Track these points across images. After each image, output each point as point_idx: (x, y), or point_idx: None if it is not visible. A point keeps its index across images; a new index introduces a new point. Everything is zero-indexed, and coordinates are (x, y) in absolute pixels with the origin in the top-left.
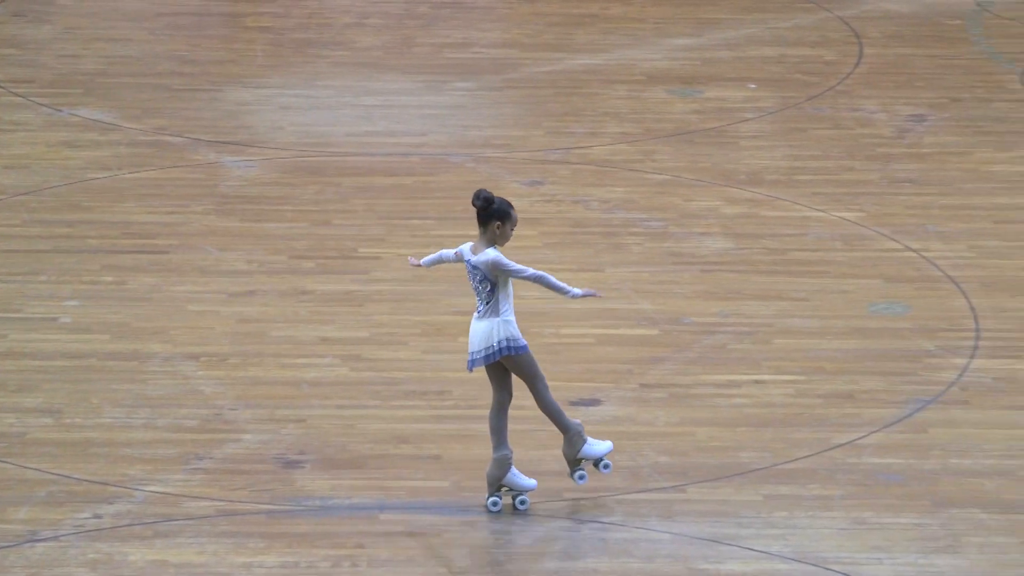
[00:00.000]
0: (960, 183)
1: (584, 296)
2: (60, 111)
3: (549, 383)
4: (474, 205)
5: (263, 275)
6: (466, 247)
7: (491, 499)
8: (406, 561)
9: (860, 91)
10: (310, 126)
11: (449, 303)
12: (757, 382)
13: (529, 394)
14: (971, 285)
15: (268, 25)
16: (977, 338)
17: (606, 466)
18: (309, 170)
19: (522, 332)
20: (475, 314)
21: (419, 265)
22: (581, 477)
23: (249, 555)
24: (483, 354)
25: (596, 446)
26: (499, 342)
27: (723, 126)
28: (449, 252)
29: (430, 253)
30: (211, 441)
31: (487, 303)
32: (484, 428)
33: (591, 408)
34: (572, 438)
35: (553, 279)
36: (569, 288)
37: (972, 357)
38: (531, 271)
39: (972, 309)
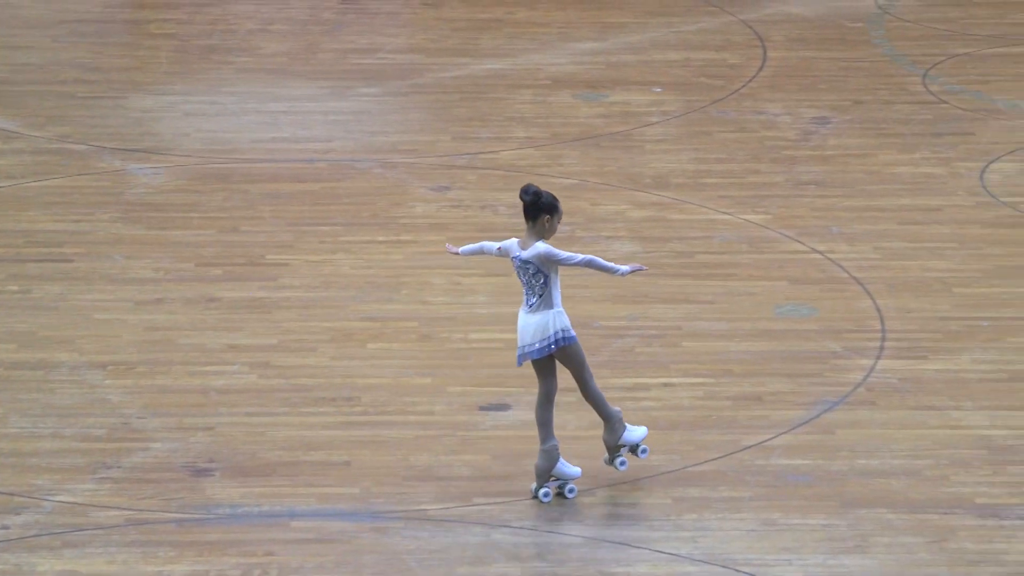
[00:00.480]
0: (864, 185)
1: (632, 272)
2: None
3: (458, 388)
4: (523, 200)
5: (170, 283)
6: (511, 243)
7: (542, 490)
8: (316, 568)
9: (764, 94)
10: (216, 133)
11: (358, 309)
12: (666, 385)
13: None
14: (876, 286)
15: (172, 32)
16: (883, 339)
17: (643, 451)
18: (216, 177)
19: (430, 337)
20: (524, 308)
21: (457, 253)
22: (622, 463)
23: (159, 564)
24: (539, 346)
25: (634, 432)
26: (555, 333)
27: (629, 130)
28: (492, 246)
29: (470, 243)
30: (119, 450)
31: (540, 296)
32: (394, 434)
33: (501, 413)
34: (614, 425)
35: (602, 261)
36: (617, 267)
37: (878, 358)
38: (580, 257)
39: (878, 310)
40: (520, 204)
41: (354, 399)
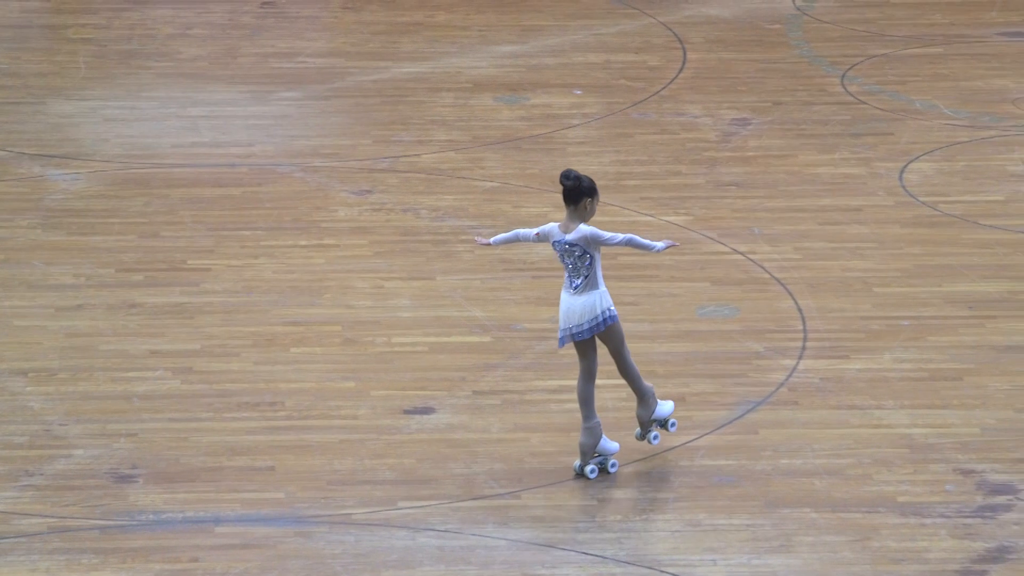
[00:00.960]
0: (785, 186)
1: (667, 248)
2: None
3: (382, 392)
4: (564, 184)
5: (91, 289)
6: (551, 227)
7: (588, 467)
8: (242, 574)
9: (684, 96)
10: (136, 138)
11: (280, 313)
12: None
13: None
14: (798, 287)
15: (90, 37)
16: (805, 339)
17: (672, 424)
18: (136, 182)
19: (353, 341)
20: (568, 291)
21: (488, 244)
22: (655, 437)
23: (83, 571)
24: (588, 327)
25: (664, 406)
26: (603, 312)
27: (550, 132)
28: (528, 232)
29: (502, 232)
30: (41, 457)
31: (585, 277)
32: (318, 438)
33: (425, 416)
34: (648, 401)
35: (640, 238)
36: (653, 244)
37: (800, 358)
38: (621, 236)
39: (799, 310)
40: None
41: (278, 404)
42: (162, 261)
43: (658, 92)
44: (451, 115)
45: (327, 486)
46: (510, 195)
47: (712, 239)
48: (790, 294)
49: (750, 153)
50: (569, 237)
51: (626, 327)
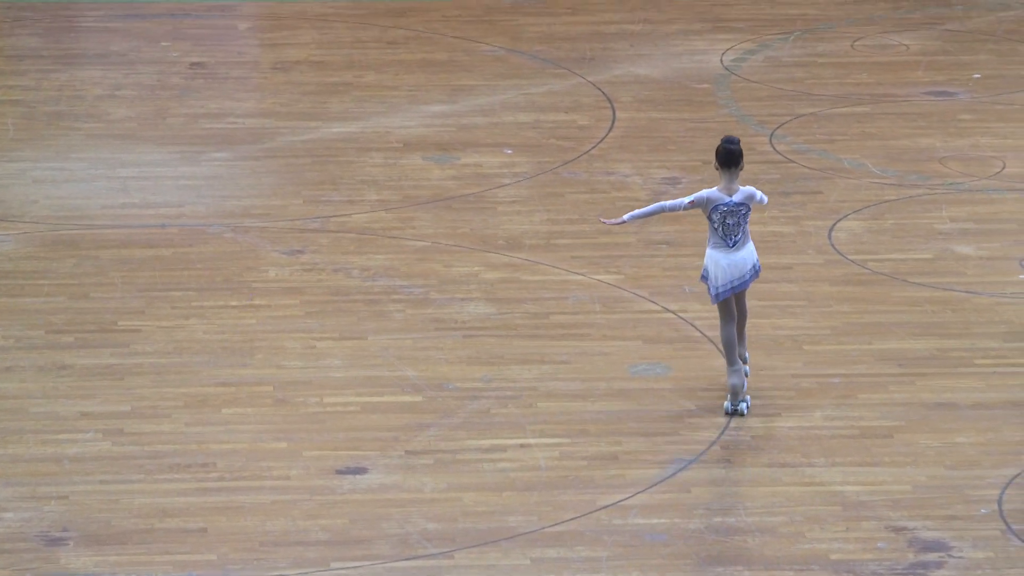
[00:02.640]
0: None
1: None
2: None
3: (314, 452)
4: (729, 148)
5: (20, 351)
6: (708, 193)
7: (741, 404)
8: None
9: (614, 155)
10: (65, 199)
11: (212, 374)
12: (522, 446)
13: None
14: None
15: (19, 98)
16: None
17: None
18: (65, 243)
19: (285, 401)
20: (724, 249)
21: (622, 222)
22: (747, 407)
23: None
24: (750, 276)
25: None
26: (757, 261)
27: (481, 191)
28: (678, 203)
29: (640, 206)
30: None
31: (744, 233)
32: (250, 499)
33: (358, 476)
34: (740, 369)
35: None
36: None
37: (731, 416)
38: (760, 193)
39: None
40: None
41: (209, 465)
42: (92, 322)
43: (588, 151)
44: (381, 175)
45: (259, 547)
46: (441, 254)
47: (643, 298)
48: (721, 353)
49: (680, 212)
50: (737, 198)
51: (557, 386)
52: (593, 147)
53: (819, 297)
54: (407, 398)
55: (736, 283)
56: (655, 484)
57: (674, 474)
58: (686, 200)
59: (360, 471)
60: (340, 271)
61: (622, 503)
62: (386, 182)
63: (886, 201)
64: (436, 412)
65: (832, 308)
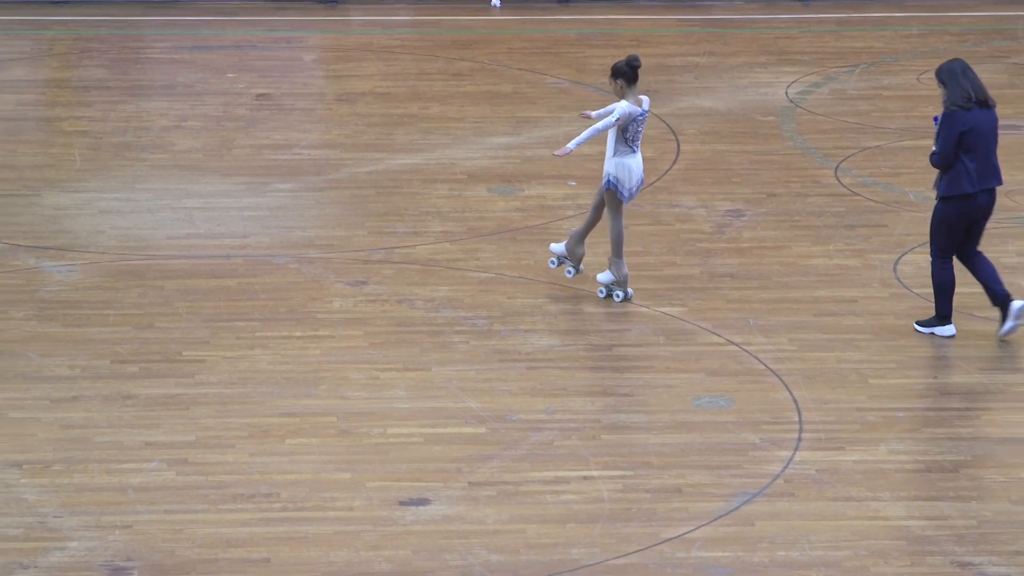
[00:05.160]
0: (779, 276)
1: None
2: None
3: (377, 483)
4: (635, 67)
5: (86, 380)
6: (629, 107)
7: (630, 292)
8: None
9: (679, 187)
10: (131, 229)
11: (276, 404)
12: (585, 478)
13: None
14: (793, 378)
15: (85, 129)
16: (800, 430)
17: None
18: (131, 274)
19: (348, 432)
20: (630, 155)
21: (569, 151)
22: (569, 272)
23: None
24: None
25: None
26: None
27: (545, 223)
28: (607, 121)
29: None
30: (36, 550)
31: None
32: (313, 530)
33: (421, 508)
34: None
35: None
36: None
37: (796, 449)
38: None
39: (794, 401)
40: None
41: (273, 495)
42: (157, 352)
43: (652, 183)
44: (446, 206)
45: None
46: (505, 286)
47: (707, 330)
48: (785, 385)
49: (744, 244)
50: (645, 107)
51: (621, 418)
52: (657, 179)
53: (884, 330)
54: (470, 429)
55: (641, 181)
56: (719, 517)
57: (738, 507)
58: (613, 118)
59: (423, 502)
60: (404, 302)
61: (686, 536)
62: (450, 213)
63: None
64: (499, 444)
65: (897, 342)
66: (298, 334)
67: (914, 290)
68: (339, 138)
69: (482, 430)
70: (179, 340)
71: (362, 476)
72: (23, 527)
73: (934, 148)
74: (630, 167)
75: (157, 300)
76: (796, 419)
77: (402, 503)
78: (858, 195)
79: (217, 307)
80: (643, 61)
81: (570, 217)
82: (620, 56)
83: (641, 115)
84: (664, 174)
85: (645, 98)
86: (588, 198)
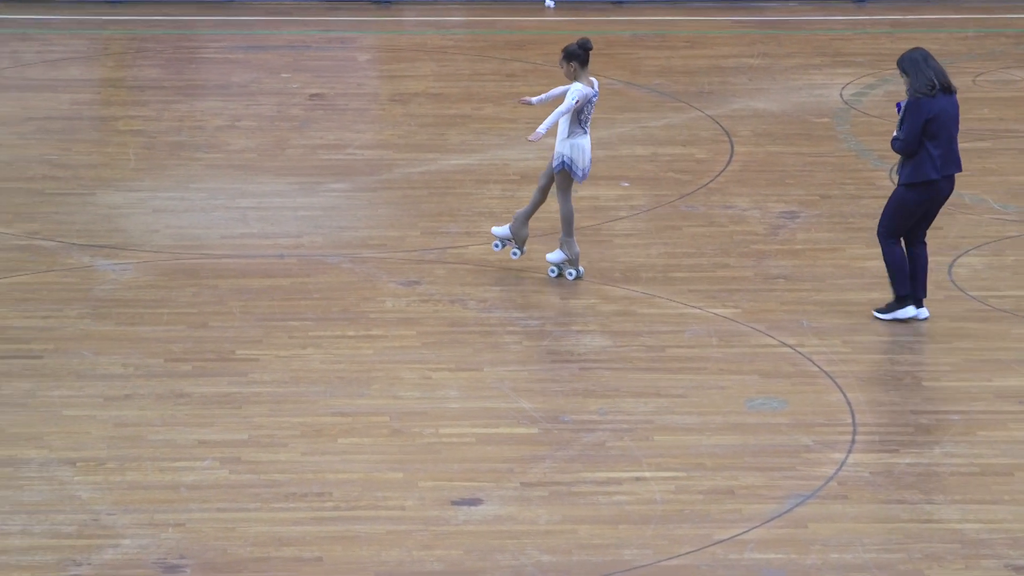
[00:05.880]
0: (833, 279)
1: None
2: None
3: (430, 483)
4: (589, 50)
5: (139, 378)
6: (583, 89)
7: (581, 270)
8: None
9: (732, 189)
10: (185, 229)
11: (328, 403)
12: (638, 479)
13: None
14: (847, 380)
15: (140, 128)
16: (854, 432)
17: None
18: (185, 273)
19: (401, 432)
20: (583, 136)
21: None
22: (515, 254)
23: None
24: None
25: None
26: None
27: (598, 224)
28: (567, 105)
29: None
30: (89, 547)
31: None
32: (365, 529)
33: (473, 508)
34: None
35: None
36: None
37: (849, 452)
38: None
39: (848, 404)
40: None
41: (325, 494)
42: (211, 351)
43: (706, 185)
44: (499, 206)
45: None
46: (558, 286)
47: (761, 332)
48: (839, 387)
49: (798, 246)
50: (596, 88)
51: (673, 419)
52: (711, 180)
53: (939, 333)
54: (523, 430)
55: (590, 161)
56: (772, 519)
57: (791, 509)
58: (573, 100)
59: (475, 502)
60: (457, 302)
61: (738, 538)
62: (503, 214)
63: (1007, 237)
64: (552, 444)
65: (952, 344)
66: (351, 334)
67: (969, 292)
68: (392, 138)
69: (534, 431)
70: (232, 339)
71: (414, 476)
72: (76, 524)
73: (896, 134)
74: (583, 148)
75: (211, 299)
76: (850, 421)
77: (454, 503)
78: None
79: (270, 306)
80: (697, 63)
81: (622, 218)
82: (675, 58)
83: (594, 96)
84: (718, 175)
85: (595, 80)
86: (641, 199)
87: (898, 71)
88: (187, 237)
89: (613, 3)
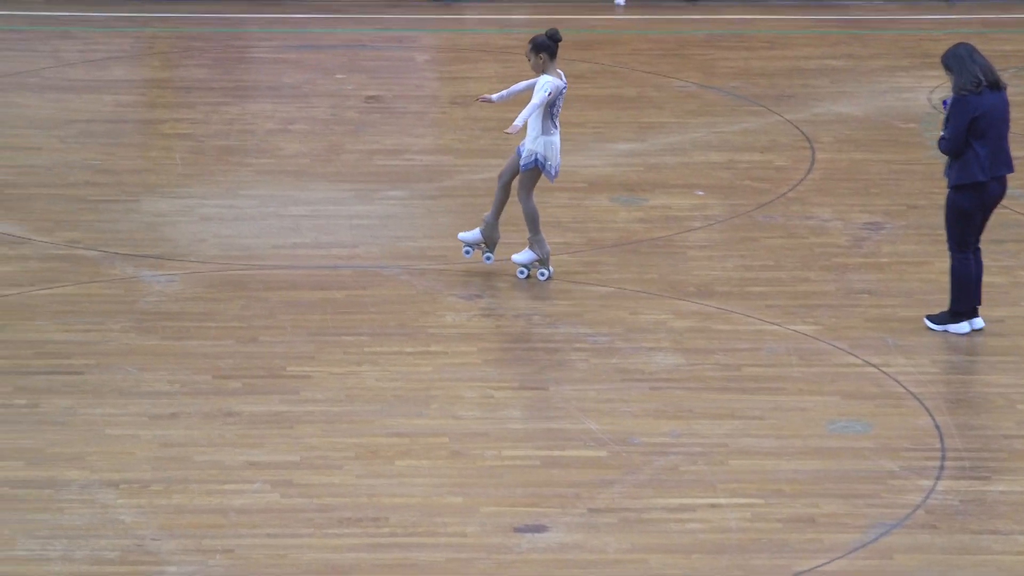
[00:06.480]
0: (921, 294)
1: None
2: None
3: (492, 508)
4: (559, 41)
5: (186, 396)
6: (555, 81)
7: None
8: None
9: (813, 198)
10: (234, 238)
11: (384, 423)
12: (712, 506)
13: None
14: (935, 402)
15: (187, 132)
16: (943, 458)
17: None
18: (233, 284)
19: (461, 454)
20: (554, 133)
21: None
22: (488, 258)
23: None
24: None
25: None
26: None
27: (670, 235)
28: (541, 98)
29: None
30: (133, 574)
31: None
32: (424, 557)
33: (537, 535)
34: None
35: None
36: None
37: (938, 478)
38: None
39: (937, 427)
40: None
41: (381, 519)
42: (260, 368)
43: (785, 194)
44: (565, 216)
45: None
46: (627, 300)
47: (843, 350)
48: (927, 410)
49: (883, 259)
50: (565, 81)
51: (752, 443)
52: (790, 189)
53: None
54: (590, 453)
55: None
56: (855, 550)
57: (876, 539)
58: (545, 93)
59: (540, 529)
60: (520, 317)
61: (819, 569)
62: (570, 224)
63: None
64: (621, 468)
65: None
66: (409, 350)
67: None
68: (453, 143)
69: (602, 453)
70: (283, 355)
71: (475, 501)
72: (119, 550)
73: (943, 133)
74: (555, 145)
75: (261, 312)
76: (938, 446)
77: (517, 530)
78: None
79: (323, 320)
80: (776, 64)
81: (696, 229)
82: (753, 59)
83: (564, 88)
84: (798, 184)
85: (562, 72)
86: (716, 208)
87: (943, 68)
88: (236, 247)
89: (688, 1)
